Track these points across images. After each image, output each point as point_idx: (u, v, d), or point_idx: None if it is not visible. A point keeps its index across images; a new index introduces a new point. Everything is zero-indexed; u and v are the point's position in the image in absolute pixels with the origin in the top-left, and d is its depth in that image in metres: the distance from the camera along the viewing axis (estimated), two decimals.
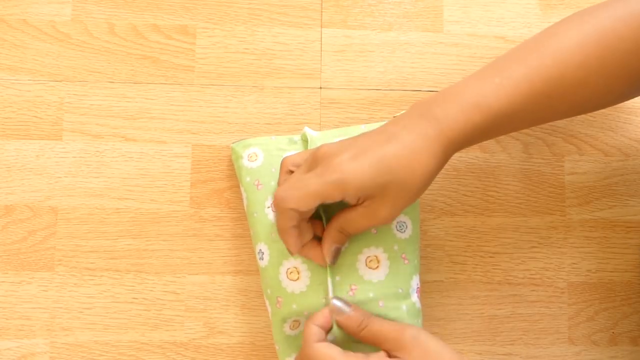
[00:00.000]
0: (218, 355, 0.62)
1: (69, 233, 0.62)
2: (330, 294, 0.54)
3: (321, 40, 0.65)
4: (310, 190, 0.49)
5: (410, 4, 0.66)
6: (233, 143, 0.62)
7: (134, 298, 0.62)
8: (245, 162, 0.60)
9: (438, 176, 0.64)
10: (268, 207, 0.58)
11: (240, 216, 0.63)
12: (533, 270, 0.64)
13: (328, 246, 0.53)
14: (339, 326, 0.53)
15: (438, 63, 0.66)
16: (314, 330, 0.52)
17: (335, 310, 0.53)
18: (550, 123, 0.65)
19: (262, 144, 0.60)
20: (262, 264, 0.57)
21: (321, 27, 0.65)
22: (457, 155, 0.64)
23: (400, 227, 0.57)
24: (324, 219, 0.55)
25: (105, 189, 0.63)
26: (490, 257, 0.64)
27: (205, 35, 0.65)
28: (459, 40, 0.66)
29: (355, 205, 0.51)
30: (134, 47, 0.64)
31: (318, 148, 0.52)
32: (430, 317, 0.63)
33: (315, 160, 0.51)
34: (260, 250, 0.58)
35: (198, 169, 0.63)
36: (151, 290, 0.62)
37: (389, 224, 0.56)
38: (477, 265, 0.64)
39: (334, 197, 0.49)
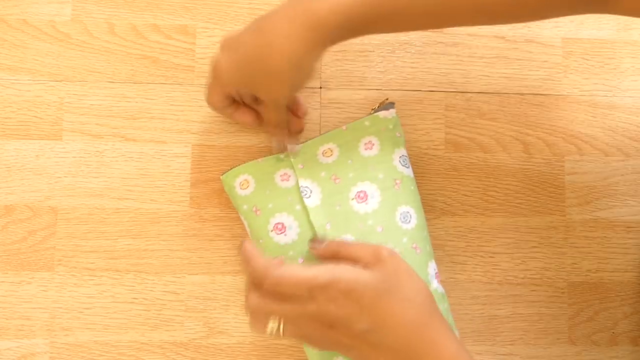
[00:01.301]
0: (218, 355, 0.62)
1: (69, 233, 0.62)
2: None
3: None
4: (209, 92, 0.58)
5: None
6: (222, 175, 0.61)
7: (134, 298, 0.62)
8: (238, 191, 0.60)
9: (438, 176, 0.64)
10: (272, 231, 0.58)
11: None
12: (533, 270, 0.64)
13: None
14: (321, 259, 0.53)
15: (438, 63, 0.66)
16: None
17: (314, 246, 0.53)
18: (551, 123, 0.65)
19: (251, 169, 0.60)
20: None
21: None
22: (457, 155, 0.64)
23: (404, 218, 0.57)
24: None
25: (105, 189, 0.63)
26: (490, 257, 0.64)
27: (205, 35, 0.65)
28: (459, 40, 0.66)
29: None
30: (134, 47, 0.64)
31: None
32: None
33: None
34: None
35: (198, 169, 0.63)
36: (151, 290, 0.62)
37: (393, 217, 0.57)
38: (477, 265, 0.64)
39: (224, 92, 0.57)
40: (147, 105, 0.64)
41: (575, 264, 0.64)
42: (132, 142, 0.63)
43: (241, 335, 0.62)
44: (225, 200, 0.63)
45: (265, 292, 0.49)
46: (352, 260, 0.50)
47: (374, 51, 0.65)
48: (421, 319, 0.48)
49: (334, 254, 0.52)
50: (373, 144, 0.59)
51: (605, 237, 0.65)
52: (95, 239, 0.62)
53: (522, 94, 0.66)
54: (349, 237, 0.56)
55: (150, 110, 0.64)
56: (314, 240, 0.55)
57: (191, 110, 0.64)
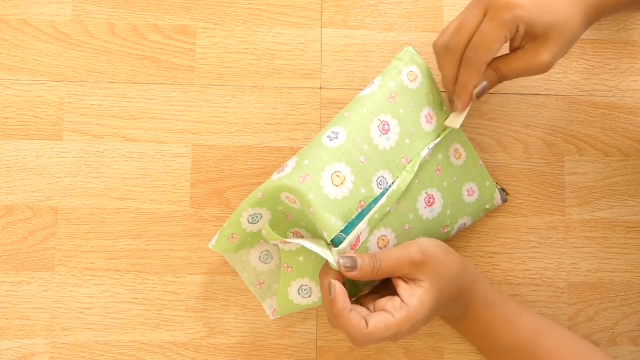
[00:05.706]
0: (218, 355, 0.62)
1: (69, 233, 0.62)
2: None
3: (321, 40, 0.65)
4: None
5: (410, 4, 0.66)
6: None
7: (134, 298, 0.62)
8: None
9: None
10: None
11: None
12: (533, 270, 0.64)
13: (478, 82, 0.56)
14: (354, 280, 0.54)
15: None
16: (343, 299, 0.52)
17: (345, 269, 0.53)
18: (551, 123, 0.65)
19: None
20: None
21: (321, 27, 0.65)
22: None
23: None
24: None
25: (105, 189, 0.63)
26: (490, 257, 0.64)
27: (205, 35, 0.65)
28: None
29: (515, 50, 0.56)
30: (134, 47, 0.64)
31: None
32: None
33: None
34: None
35: (198, 169, 0.63)
36: (151, 290, 0.62)
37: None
38: (477, 265, 0.64)
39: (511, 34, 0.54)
40: (147, 105, 0.64)
41: (575, 264, 0.64)
42: (132, 142, 0.63)
43: (241, 335, 0.62)
44: (225, 200, 0.63)
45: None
46: (391, 275, 0.53)
47: (374, 51, 0.65)
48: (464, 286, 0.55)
49: (371, 275, 0.53)
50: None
51: (605, 237, 0.65)
52: (95, 239, 0.62)
53: (522, 94, 0.66)
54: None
55: (150, 110, 0.64)
56: (344, 258, 0.53)
57: (191, 110, 0.64)
